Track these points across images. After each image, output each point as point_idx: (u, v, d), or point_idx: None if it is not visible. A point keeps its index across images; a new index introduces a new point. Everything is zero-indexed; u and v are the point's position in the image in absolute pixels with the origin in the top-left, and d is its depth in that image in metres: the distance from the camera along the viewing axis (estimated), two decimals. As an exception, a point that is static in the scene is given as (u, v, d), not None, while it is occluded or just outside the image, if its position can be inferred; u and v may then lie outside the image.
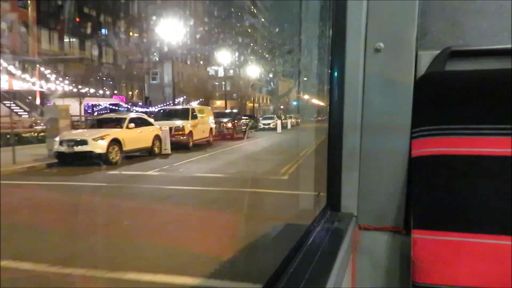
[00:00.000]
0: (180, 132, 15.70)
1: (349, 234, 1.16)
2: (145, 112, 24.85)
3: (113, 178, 9.29)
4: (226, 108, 38.09)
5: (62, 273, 3.60)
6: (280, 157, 13.10)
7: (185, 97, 37.29)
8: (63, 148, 11.16)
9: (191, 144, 16.14)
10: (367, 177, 1.24)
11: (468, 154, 1.00)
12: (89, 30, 32.51)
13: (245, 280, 3.18)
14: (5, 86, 21.78)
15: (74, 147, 11.18)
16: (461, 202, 1.01)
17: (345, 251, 1.08)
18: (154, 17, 38.60)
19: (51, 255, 3.98)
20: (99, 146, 11.26)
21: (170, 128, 15.10)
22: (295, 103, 58.85)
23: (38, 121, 17.80)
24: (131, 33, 38.19)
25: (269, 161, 12.13)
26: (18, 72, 23.79)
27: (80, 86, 27.50)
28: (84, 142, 11.22)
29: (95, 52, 33.31)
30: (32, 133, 17.01)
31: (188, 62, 47.90)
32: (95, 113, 28.55)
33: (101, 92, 31.38)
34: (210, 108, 22.37)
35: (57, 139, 11.46)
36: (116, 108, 32.14)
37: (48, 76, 26.15)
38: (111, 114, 19.13)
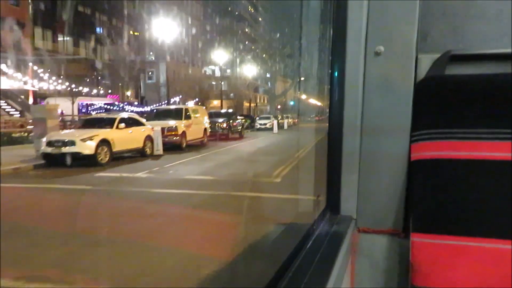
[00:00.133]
0: (173, 133, 15.38)
1: (348, 236, 1.16)
2: (141, 112, 24.61)
3: (99, 180, 8.96)
4: (222, 108, 37.73)
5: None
6: (274, 158, 12.79)
7: (180, 96, 36.94)
8: (50, 149, 10.82)
9: (184, 144, 15.82)
10: (366, 180, 1.24)
11: (467, 158, 1.00)
12: (83, 29, 32.15)
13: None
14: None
15: (62, 148, 10.84)
16: (460, 206, 1.00)
17: (344, 253, 1.08)
18: (150, 16, 38.28)
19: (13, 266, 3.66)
20: (87, 147, 10.93)
21: (163, 128, 14.80)
22: (292, 103, 58.73)
23: (30, 121, 17.48)
24: (126, 32, 37.83)
25: (262, 162, 11.83)
26: (10, 71, 23.44)
27: (73, 85, 27.15)
28: (71, 143, 10.88)
29: (90, 51, 32.92)
30: (22, 133, 16.67)
31: (185, 62, 47.58)
32: (90, 113, 28.25)
33: (95, 91, 30.90)
34: (204, 108, 22.02)
35: (44, 139, 11.12)
36: (111, 107, 31.84)
37: (41, 75, 25.81)
38: (102, 114, 18.81)
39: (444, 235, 1.01)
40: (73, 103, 24.26)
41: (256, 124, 31.00)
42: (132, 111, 30.36)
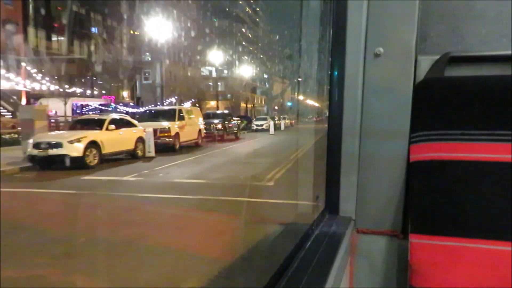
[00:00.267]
0: (166, 134, 15.05)
1: (347, 237, 1.16)
2: (136, 113, 24.24)
3: (85, 184, 8.62)
4: (218, 109, 37.40)
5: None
6: (269, 160, 12.48)
7: (176, 97, 36.60)
8: (36, 151, 10.45)
9: (177, 146, 15.49)
10: (365, 181, 1.24)
11: (466, 160, 1.01)
12: (78, 29, 31.78)
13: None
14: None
15: (48, 150, 10.46)
16: (459, 207, 1.01)
17: (343, 254, 1.08)
18: (146, 16, 37.95)
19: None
20: (75, 149, 10.57)
21: (155, 130, 14.46)
22: (289, 103, 58.48)
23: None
24: (122, 32, 37.48)
25: (256, 164, 11.51)
26: (2, 71, 23.04)
27: (67, 86, 26.76)
28: (58, 145, 10.51)
29: (85, 51, 32.55)
30: (13, 134, 16.32)
31: (181, 62, 47.24)
32: (84, 114, 27.86)
33: (89, 92, 30.52)
34: (200, 108, 21.66)
35: (31, 141, 10.76)
36: (106, 108, 31.46)
37: (34, 75, 25.41)
38: (92, 115, 18.48)
39: (442, 237, 1.01)
40: (65, 103, 23.84)
41: (252, 125, 30.79)
42: (127, 112, 30.06)
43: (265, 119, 32.15)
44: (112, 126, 12.26)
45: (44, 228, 4.93)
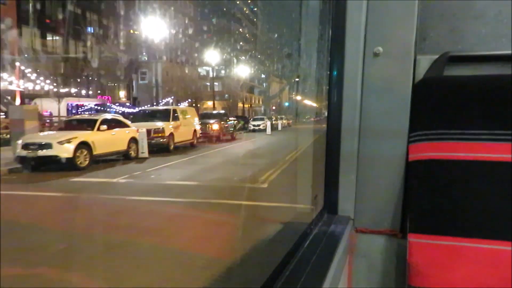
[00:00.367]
0: (160, 134, 14.80)
1: (345, 237, 1.16)
2: (132, 113, 23.96)
3: (73, 186, 8.37)
4: (214, 109, 37.17)
5: None
6: (264, 161, 12.27)
7: (172, 97, 36.35)
8: (25, 152, 10.20)
9: (172, 146, 15.25)
10: (364, 180, 1.24)
11: (465, 159, 1.01)
12: (73, 28, 31.48)
13: None
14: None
15: (38, 151, 10.21)
16: (458, 206, 1.01)
17: (342, 253, 1.08)
18: (143, 16, 37.68)
19: None
20: (65, 150, 10.32)
21: (149, 130, 14.22)
22: (287, 104, 58.30)
23: (14, 122, 16.86)
24: (118, 32, 37.21)
25: (251, 165, 11.29)
26: (-4, 71, 22.74)
27: (61, 86, 26.47)
28: (48, 146, 10.25)
29: (80, 51, 32.25)
30: (5, 135, 16.05)
31: (179, 62, 46.99)
32: (80, 114, 27.56)
33: (84, 92, 30.23)
34: (198, 108, 21.38)
35: (20, 142, 10.50)
36: (102, 108, 31.17)
37: (29, 75, 25.12)
38: (84, 115, 18.24)
39: (441, 236, 1.01)
40: (59, 103, 23.56)
41: (249, 125, 30.65)
42: (123, 112, 29.82)
43: (262, 119, 32.00)
44: (104, 127, 12.01)
45: (21, 234, 4.68)
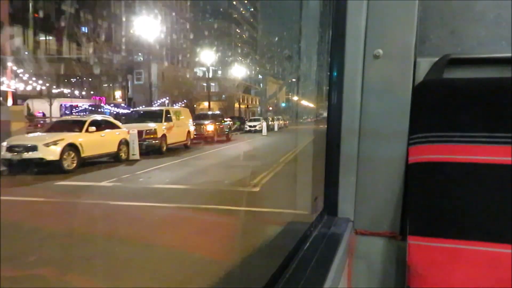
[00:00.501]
0: (152, 136, 14.49)
1: (345, 238, 1.16)
2: (123, 114, 23.62)
3: (57, 190, 8.04)
4: (209, 110, 36.86)
5: None
6: (258, 163, 11.98)
7: (168, 98, 36.01)
8: (10, 155, 9.85)
9: (164, 148, 14.95)
10: (364, 182, 1.24)
11: (465, 162, 1.01)
12: (67, 28, 31.11)
13: None
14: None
15: (23, 153, 9.88)
16: (457, 209, 1.01)
17: (341, 255, 1.09)
18: (137, 16, 37.34)
19: None
20: (51, 152, 9.98)
21: (141, 131, 13.91)
22: (283, 104, 58.09)
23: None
24: (113, 32, 36.86)
25: (244, 168, 11.00)
26: (-13, 71, 22.36)
27: (54, 86, 26.10)
28: (33, 148, 9.92)
29: (74, 51, 31.88)
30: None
31: (174, 63, 46.66)
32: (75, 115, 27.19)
33: (77, 92, 29.86)
34: (193, 109, 21.01)
35: (5, 144, 10.15)
36: (97, 109, 30.80)
37: (21, 75, 24.74)
38: (73, 116, 17.90)
39: (441, 238, 1.01)
40: (50, 104, 23.20)
41: (245, 126, 30.42)
42: (117, 113, 29.47)
43: (258, 120, 31.72)
44: (93, 128, 11.67)
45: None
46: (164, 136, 14.97)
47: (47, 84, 25.34)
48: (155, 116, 15.72)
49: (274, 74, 62.08)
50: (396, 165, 1.18)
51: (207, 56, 46.14)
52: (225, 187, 8.21)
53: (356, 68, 1.21)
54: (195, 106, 42.44)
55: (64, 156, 10.21)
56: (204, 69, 49.34)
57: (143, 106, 29.60)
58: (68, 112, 29.58)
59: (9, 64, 24.70)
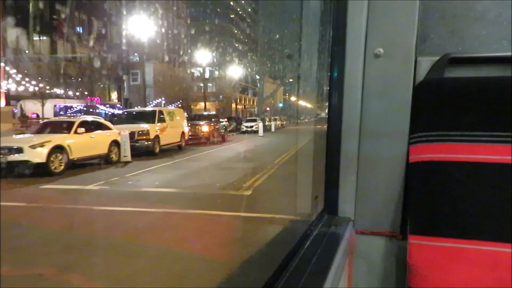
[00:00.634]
0: (145, 137, 14.18)
1: (346, 238, 1.16)
2: (119, 114, 23.25)
3: (40, 195, 7.72)
4: (206, 110, 36.56)
5: None
6: (252, 164, 11.69)
7: (163, 98, 35.69)
8: (-6, 157, 9.53)
9: (157, 149, 14.64)
10: (364, 181, 1.24)
11: (465, 161, 1.00)
12: (61, 28, 30.78)
13: None
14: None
15: (8, 155, 9.55)
16: (458, 208, 1.00)
17: (342, 255, 1.09)
18: (133, 16, 37.05)
19: None
20: (37, 155, 9.67)
21: (133, 132, 13.61)
22: (281, 104, 57.85)
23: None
24: (109, 32, 36.54)
25: (237, 170, 10.69)
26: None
27: (49, 87, 25.75)
28: (19, 150, 9.60)
29: (68, 51, 31.54)
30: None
31: (171, 63, 46.34)
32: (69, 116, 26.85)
33: (71, 93, 29.52)
34: (190, 109, 20.66)
35: (-11, 146, 9.83)
36: (92, 110, 30.46)
37: (14, 76, 24.40)
38: (62, 117, 17.57)
39: (441, 238, 1.01)
40: (43, 105, 22.86)
41: (242, 126, 30.18)
42: (112, 114, 29.13)
43: (254, 120, 31.47)
44: (82, 129, 11.37)
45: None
46: (157, 137, 14.67)
47: (41, 85, 24.99)
48: (148, 117, 15.43)
49: (272, 74, 61.78)
50: (396, 164, 1.17)
51: (204, 56, 45.84)
52: (215, 190, 7.91)
53: (357, 67, 1.21)
54: (192, 106, 42.16)
55: (51, 158, 9.92)
56: (201, 69, 49.05)
57: (139, 107, 29.30)
58: (62, 113, 29.22)
59: (2, 64, 24.37)
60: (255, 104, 61.49)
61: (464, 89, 1.06)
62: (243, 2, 67.47)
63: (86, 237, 4.83)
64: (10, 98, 25.49)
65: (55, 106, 28.75)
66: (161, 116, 15.64)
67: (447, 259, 0.99)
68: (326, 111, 1.37)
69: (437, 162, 1.03)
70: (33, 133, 11.59)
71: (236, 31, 63.52)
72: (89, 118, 13.30)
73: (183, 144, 16.98)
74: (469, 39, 1.16)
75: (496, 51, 1.13)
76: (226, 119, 27.73)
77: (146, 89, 37.28)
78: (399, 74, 1.17)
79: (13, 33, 27.39)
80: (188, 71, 48.45)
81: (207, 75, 49.51)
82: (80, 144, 10.96)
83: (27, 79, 24.73)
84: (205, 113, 26.16)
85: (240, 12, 66.27)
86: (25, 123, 18.45)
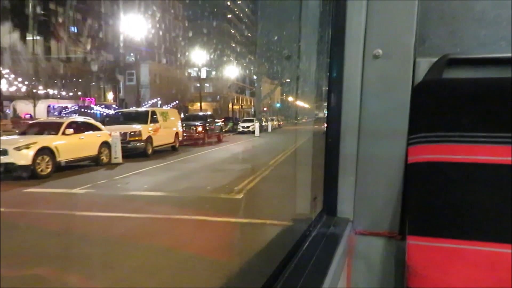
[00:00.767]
0: (137, 138, 13.87)
1: (345, 238, 1.17)
2: (111, 115, 22.95)
3: (23, 199, 7.39)
4: (202, 110, 36.24)
5: None
6: (245, 166, 11.41)
7: (158, 98, 35.36)
8: (-23, 160, 9.20)
9: (150, 151, 14.33)
10: (363, 182, 1.24)
11: (464, 162, 1.00)
12: (56, 28, 30.43)
13: None
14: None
15: (-8, 158, 9.23)
16: (457, 209, 1.00)
17: (341, 255, 1.09)
18: (130, 16, 36.72)
19: None
20: (23, 157, 9.34)
21: (125, 133, 13.30)
22: (278, 105, 57.58)
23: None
24: (104, 32, 36.19)
25: (230, 172, 10.37)
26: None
27: (42, 87, 25.41)
28: (4, 152, 9.26)
29: (62, 51, 31.17)
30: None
31: (167, 63, 46.04)
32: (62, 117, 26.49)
33: (65, 93, 29.16)
34: (177, 110, 20.36)
35: (-28, 148, 9.50)
36: (87, 110, 30.12)
37: (6, 76, 24.04)
38: (51, 118, 17.24)
39: (440, 238, 1.00)
40: (34, 106, 22.50)
41: (238, 127, 29.94)
42: (107, 114, 28.80)
43: (251, 120, 31.22)
44: (70, 130, 11.05)
45: None
46: (149, 138, 14.36)
47: (34, 83, 24.63)
48: (141, 117, 15.11)
49: (269, 75, 61.47)
50: (395, 165, 1.17)
51: (200, 56, 45.53)
52: (205, 193, 7.59)
53: (356, 68, 1.21)
54: (188, 107, 41.87)
55: (38, 161, 9.59)
56: (198, 70, 48.72)
57: (134, 107, 28.97)
58: (56, 114, 28.89)
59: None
60: (252, 104, 61.19)
61: (463, 90, 1.06)
62: (239, 2, 67.21)
63: (61, 246, 4.50)
64: (3, 98, 25.17)
65: (48, 106, 28.40)
66: (154, 116, 15.32)
67: (446, 259, 0.99)
68: (325, 111, 1.35)
69: (436, 163, 1.03)
70: (20, 134, 11.25)
71: (233, 31, 63.25)
72: (79, 119, 13.00)
73: (177, 145, 16.66)
74: (468, 40, 1.16)
75: (495, 52, 1.13)
76: (223, 120, 27.44)
77: (141, 89, 36.90)
78: (398, 75, 1.17)
79: (5, 32, 27.05)
80: (186, 72, 48.14)
81: (203, 76, 49.18)
82: (68, 146, 10.65)
83: (19, 79, 24.40)
84: (201, 113, 25.81)
85: (237, 13, 66.00)
86: (17, 124, 18.12)
